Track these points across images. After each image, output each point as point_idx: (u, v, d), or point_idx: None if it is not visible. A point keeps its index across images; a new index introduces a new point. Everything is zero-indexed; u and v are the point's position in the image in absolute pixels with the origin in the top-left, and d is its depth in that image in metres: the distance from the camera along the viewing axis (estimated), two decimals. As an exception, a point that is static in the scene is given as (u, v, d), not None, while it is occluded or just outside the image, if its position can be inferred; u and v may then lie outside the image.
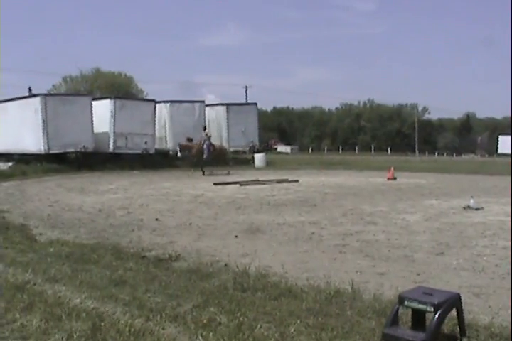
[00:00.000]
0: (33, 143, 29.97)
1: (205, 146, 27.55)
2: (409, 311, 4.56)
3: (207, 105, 38.05)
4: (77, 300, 5.49)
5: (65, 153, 31.28)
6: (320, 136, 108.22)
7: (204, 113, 36.56)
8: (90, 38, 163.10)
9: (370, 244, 9.20)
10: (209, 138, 28.44)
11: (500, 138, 71.31)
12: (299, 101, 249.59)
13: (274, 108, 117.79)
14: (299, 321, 4.86)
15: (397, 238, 9.69)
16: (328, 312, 5.19)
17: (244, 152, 41.53)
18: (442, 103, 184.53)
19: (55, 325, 4.78)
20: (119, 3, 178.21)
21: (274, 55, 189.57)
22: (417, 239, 9.56)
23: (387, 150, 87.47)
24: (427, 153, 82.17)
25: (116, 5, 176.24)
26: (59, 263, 7.25)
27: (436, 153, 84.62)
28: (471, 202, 13.46)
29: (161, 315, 5.01)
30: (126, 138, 31.53)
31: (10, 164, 29.81)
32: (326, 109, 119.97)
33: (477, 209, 13.20)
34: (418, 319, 4.47)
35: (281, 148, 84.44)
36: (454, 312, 4.52)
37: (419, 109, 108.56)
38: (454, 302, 4.49)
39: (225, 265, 7.44)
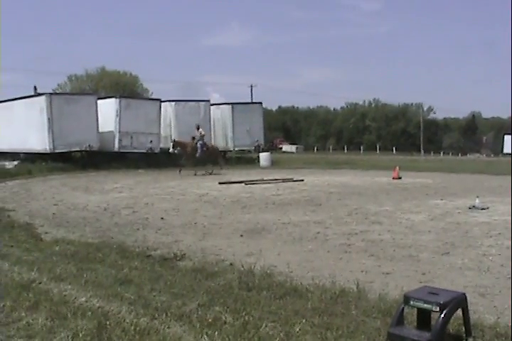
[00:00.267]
0: (38, 142, 30.01)
1: (198, 145, 27.42)
2: (415, 311, 4.55)
3: (212, 104, 38.04)
4: (83, 299, 5.50)
5: (70, 152, 31.36)
6: (325, 135, 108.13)
7: (209, 112, 36.57)
8: (95, 38, 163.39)
9: (375, 243, 9.19)
10: (202, 137, 28.26)
11: (506, 137, 71.21)
12: (304, 101, 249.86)
13: (279, 107, 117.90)
14: (304, 320, 4.86)
15: (402, 238, 9.67)
16: (333, 311, 5.18)
17: (249, 151, 41.54)
18: (448, 103, 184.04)
19: (60, 323, 4.79)
20: (124, 3, 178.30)
21: (279, 55, 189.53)
22: (422, 239, 9.54)
23: (392, 150, 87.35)
24: (432, 152, 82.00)
25: (121, 5, 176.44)
26: (64, 262, 7.26)
27: (441, 153, 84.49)
28: (477, 202, 13.43)
29: (166, 314, 5.01)
30: (132, 137, 31.56)
31: (15, 163, 29.89)
32: (331, 109, 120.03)
33: (482, 209, 13.17)
34: (423, 319, 4.46)
35: (286, 147, 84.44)
36: (459, 312, 4.51)
37: (425, 108, 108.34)
38: (460, 302, 4.49)
39: (230, 264, 7.44)
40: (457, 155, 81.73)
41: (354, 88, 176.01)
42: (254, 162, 36.47)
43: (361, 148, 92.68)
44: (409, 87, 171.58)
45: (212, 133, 36.90)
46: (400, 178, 23.51)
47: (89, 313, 5.02)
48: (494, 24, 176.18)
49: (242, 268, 6.95)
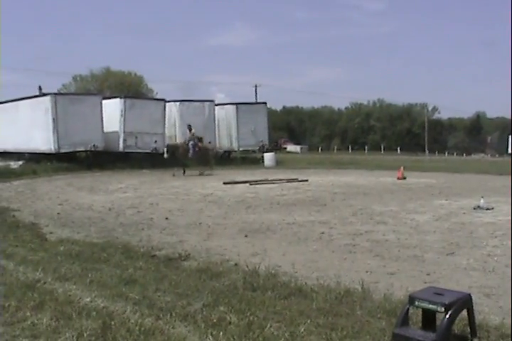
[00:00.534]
0: (43, 142, 30.06)
1: (190, 145, 27.17)
2: (420, 311, 4.54)
3: (216, 104, 38.03)
4: (88, 299, 5.50)
5: (75, 152, 31.38)
6: (330, 135, 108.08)
7: (214, 112, 36.58)
8: (97, 38, 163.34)
9: (380, 243, 9.18)
10: (195, 137, 28.05)
11: (511, 137, 71.00)
12: (308, 101, 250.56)
13: (284, 107, 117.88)
14: (309, 321, 4.86)
15: (407, 238, 9.66)
16: (338, 311, 5.18)
17: (253, 151, 41.50)
18: (452, 102, 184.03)
19: (65, 323, 4.80)
20: (127, 3, 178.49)
21: (283, 55, 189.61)
22: (427, 239, 9.53)
23: (396, 150, 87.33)
24: (436, 152, 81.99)
25: (124, 5, 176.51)
26: (69, 262, 7.27)
27: (446, 153, 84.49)
28: (481, 202, 13.41)
29: (171, 314, 5.01)
30: (136, 138, 31.56)
31: (20, 163, 29.95)
32: (336, 109, 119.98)
33: (487, 209, 13.15)
34: (428, 319, 4.46)
35: (291, 147, 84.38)
36: (464, 312, 4.50)
37: (429, 108, 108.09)
38: (465, 302, 4.48)
39: (235, 264, 7.44)
40: (462, 155, 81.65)
41: (358, 88, 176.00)
42: (258, 162, 36.46)
43: (366, 148, 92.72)
44: (413, 87, 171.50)
45: (216, 133, 36.92)
46: (404, 178, 23.48)
47: (94, 313, 5.02)
48: (499, 23, 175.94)
49: (247, 269, 6.94)
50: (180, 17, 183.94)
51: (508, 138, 73.14)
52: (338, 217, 12.25)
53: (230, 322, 4.82)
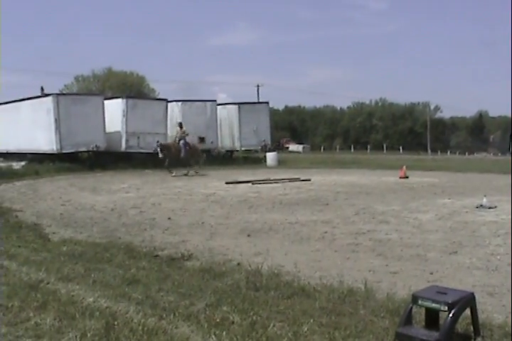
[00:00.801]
0: (45, 142, 30.06)
1: (181, 144, 26.91)
2: (423, 310, 4.54)
3: (219, 104, 37.99)
4: (91, 299, 5.51)
5: (77, 153, 31.36)
6: (332, 134, 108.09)
7: (216, 112, 36.54)
8: (100, 38, 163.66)
9: (382, 243, 9.18)
10: (185, 136, 27.71)
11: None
12: (310, 100, 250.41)
13: (286, 107, 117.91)
14: (312, 320, 4.86)
15: (409, 237, 9.66)
16: (341, 311, 5.18)
17: (256, 151, 41.48)
18: (454, 101, 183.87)
19: (68, 323, 4.80)
20: (129, 3, 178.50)
21: (285, 55, 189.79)
22: (429, 238, 9.52)
23: (399, 149, 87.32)
24: (439, 151, 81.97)
25: (126, 5, 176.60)
26: (72, 262, 7.27)
27: (448, 152, 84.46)
28: (484, 201, 13.40)
29: (174, 314, 5.02)
30: (138, 138, 31.53)
31: (23, 163, 29.94)
32: (338, 108, 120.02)
33: (490, 208, 13.14)
34: (432, 318, 4.46)
35: (293, 147, 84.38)
36: (468, 311, 4.50)
37: (432, 107, 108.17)
38: (468, 301, 4.47)
39: (238, 264, 7.44)
40: (464, 154, 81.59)
41: (360, 87, 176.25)
42: (260, 162, 36.43)
43: (368, 147, 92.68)
44: (415, 86, 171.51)
45: (218, 133, 36.92)
46: (407, 177, 23.46)
47: (97, 313, 5.03)
48: (500, 23, 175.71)
49: (250, 268, 6.94)
50: (182, 17, 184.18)
51: (510, 137, 73.16)
52: (341, 216, 12.24)
53: (233, 322, 4.82)
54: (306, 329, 4.65)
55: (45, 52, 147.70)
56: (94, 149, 30.60)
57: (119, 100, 32.51)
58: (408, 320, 4.44)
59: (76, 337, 4.49)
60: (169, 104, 34.23)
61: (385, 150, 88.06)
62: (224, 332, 4.55)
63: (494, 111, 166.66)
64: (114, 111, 31.40)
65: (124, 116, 31.52)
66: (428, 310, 4.45)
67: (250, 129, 37.63)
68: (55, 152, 29.67)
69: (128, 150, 31.86)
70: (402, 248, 8.73)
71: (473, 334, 4.54)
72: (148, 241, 9.32)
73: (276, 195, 16.88)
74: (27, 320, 4.91)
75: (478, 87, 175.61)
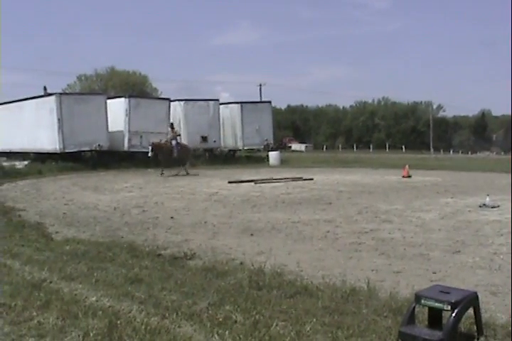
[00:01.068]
0: (48, 142, 30.12)
1: (173, 145, 26.55)
2: (426, 310, 4.53)
3: (221, 103, 38.04)
4: (93, 298, 5.51)
5: (80, 152, 31.41)
6: (334, 134, 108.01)
7: (218, 111, 36.60)
8: (103, 38, 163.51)
9: (385, 242, 9.17)
10: (177, 136, 27.59)
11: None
12: (313, 99, 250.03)
13: (289, 106, 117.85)
14: (315, 319, 4.85)
15: (412, 236, 9.65)
16: (344, 310, 5.17)
17: (258, 150, 41.53)
18: (457, 100, 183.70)
19: (71, 322, 4.80)
20: (131, 3, 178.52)
21: (288, 54, 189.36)
22: (432, 237, 9.51)
23: (401, 148, 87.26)
24: (442, 151, 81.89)
25: (128, 5, 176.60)
26: (75, 262, 7.28)
27: (451, 151, 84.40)
28: (487, 200, 13.38)
29: (176, 313, 5.01)
30: (141, 137, 31.54)
31: (26, 163, 30.03)
32: (341, 107, 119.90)
33: (493, 207, 13.12)
34: (435, 317, 4.45)
35: (296, 146, 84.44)
36: (471, 310, 4.49)
37: (434, 106, 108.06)
38: (471, 300, 4.47)
39: (241, 263, 7.44)
40: (467, 153, 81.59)
41: (363, 86, 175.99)
42: (263, 161, 36.47)
43: (370, 146, 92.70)
44: (418, 85, 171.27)
45: (221, 132, 36.95)
46: (409, 177, 23.45)
47: (100, 312, 5.03)
48: (504, 22, 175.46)
49: (253, 267, 6.94)
50: (184, 17, 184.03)
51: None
52: (344, 215, 12.23)
53: (235, 321, 4.82)
54: (308, 328, 4.65)
55: (47, 51, 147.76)
56: (97, 148, 30.68)
57: (122, 99, 32.57)
58: (411, 319, 4.43)
59: (79, 336, 4.49)
60: (172, 104, 34.31)
61: (387, 150, 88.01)
62: (227, 332, 4.55)
63: (497, 110, 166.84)
64: (117, 111, 31.45)
65: (126, 115, 31.58)
66: (431, 309, 4.44)
67: (253, 128, 37.66)
68: (58, 151, 29.74)
69: (131, 150, 31.91)
70: (405, 247, 8.72)
71: (476, 334, 4.53)
72: (151, 241, 9.33)
73: (279, 194, 16.88)
74: (30, 319, 4.91)
75: (481, 86, 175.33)
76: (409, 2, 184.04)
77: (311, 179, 22.08)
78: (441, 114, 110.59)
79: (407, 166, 24.60)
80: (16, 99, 34.49)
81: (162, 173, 25.40)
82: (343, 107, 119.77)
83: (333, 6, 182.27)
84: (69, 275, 6.50)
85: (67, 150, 29.90)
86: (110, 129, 31.09)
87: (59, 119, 29.51)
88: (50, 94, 31.93)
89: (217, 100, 37.96)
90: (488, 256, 8.06)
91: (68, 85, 75.13)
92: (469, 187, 19.44)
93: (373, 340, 4.46)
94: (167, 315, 5.00)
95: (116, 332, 4.54)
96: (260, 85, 79.63)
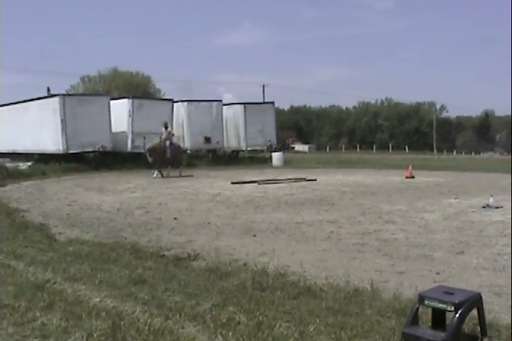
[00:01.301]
0: (51, 142, 30.17)
1: (167, 145, 26.10)
2: (430, 310, 4.53)
3: (224, 104, 38.04)
4: (97, 299, 5.51)
5: (83, 153, 31.43)
6: (337, 134, 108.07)
7: (221, 112, 36.60)
8: (105, 39, 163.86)
9: (388, 242, 9.16)
10: (171, 136, 27.04)
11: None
12: (316, 100, 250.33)
13: (292, 107, 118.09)
14: (318, 320, 4.85)
15: (416, 237, 9.64)
16: (347, 311, 5.17)
17: (261, 151, 41.54)
18: (460, 101, 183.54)
19: (75, 323, 4.81)
20: (134, 4, 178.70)
21: (290, 54, 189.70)
22: (436, 238, 9.50)
23: (405, 149, 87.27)
24: (445, 151, 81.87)
25: (131, 5, 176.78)
26: (78, 262, 7.28)
27: (454, 152, 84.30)
28: (491, 201, 13.36)
29: (180, 314, 5.01)
30: (144, 138, 31.47)
31: (29, 164, 30.03)
32: (344, 108, 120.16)
33: (496, 207, 13.10)
34: (438, 318, 4.45)
35: (299, 146, 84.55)
36: (474, 311, 4.49)
37: (437, 107, 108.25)
38: (475, 301, 4.46)
39: (244, 264, 7.43)
40: (470, 153, 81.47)
41: (366, 87, 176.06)
42: (266, 162, 36.47)
43: (374, 147, 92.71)
44: (421, 86, 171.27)
45: (224, 133, 36.96)
46: (413, 177, 23.42)
47: (104, 313, 5.03)
48: (507, 21, 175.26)
49: (256, 268, 6.94)
50: (187, 17, 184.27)
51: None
52: (347, 216, 12.23)
53: (239, 322, 4.82)
54: (312, 329, 4.65)
55: (51, 52, 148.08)
56: (101, 149, 30.69)
57: (125, 100, 32.59)
58: (415, 320, 4.43)
59: (82, 337, 4.50)
60: (175, 105, 34.30)
61: (390, 150, 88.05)
62: (230, 333, 4.55)
63: (500, 111, 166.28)
64: (120, 112, 31.47)
65: (130, 116, 31.59)
66: (435, 310, 4.43)
67: (256, 129, 37.66)
68: (62, 152, 29.77)
69: (134, 151, 31.87)
70: (408, 248, 8.71)
71: (480, 335, 4.53)
72: (154, 241, 9.33)
73: (282, 194, 16.88)
74: (34, 320, 4.92)
75: (484, 86, 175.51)
76: (412, 2, 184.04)
77: (314, 180, 22.09)
78: (444, 114, 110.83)
79: (410, 167, 24.59)
80: (20, 100, 34.57)
81: (160, 173, 25.19)
82: (346, 108, 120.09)
83: (335, 6, 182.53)
84: (72, 276, 6.51)
85: (70, 151, 29.92)
86: (113, 130, 31.10)
87: (62, 120, 29.54)
88: (53, 95, 31.99)
89: (221, 101, 37.97)
90: (492, 256, 8.05)
91: (71, 86, 75.43)
92: (472, 187, 19.42)
93: (377, 341, 4.46)
94: (170, 315, 5.00)
95: (119, 333, 4.55)
96: (263, 86, 79.79)
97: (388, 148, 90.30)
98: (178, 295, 5.73)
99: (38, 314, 5.04)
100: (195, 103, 36.26)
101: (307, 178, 22.40)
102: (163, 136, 26.73)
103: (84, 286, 6.04)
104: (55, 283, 6.20)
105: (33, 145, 31.46)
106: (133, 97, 33.51)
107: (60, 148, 29.73)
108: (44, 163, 29.67)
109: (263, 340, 4.45)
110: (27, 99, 33.73)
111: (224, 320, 4.85)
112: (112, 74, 75.89)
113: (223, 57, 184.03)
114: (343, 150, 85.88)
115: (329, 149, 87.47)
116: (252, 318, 4.90)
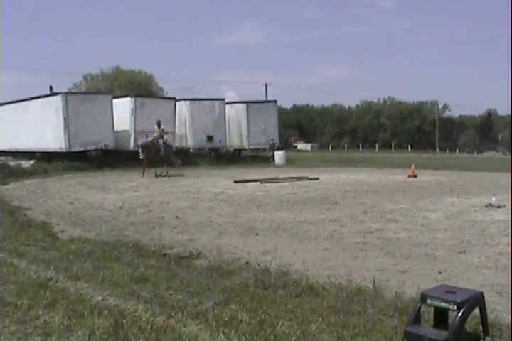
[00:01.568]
0: (54, 141, 30.18)
1: (160, 143, 25.80)
2: (432, 309, 4.53)
3: (227, 103, 38.02)
4: (99, 298, 5.52)
5: (85, 151, 31.46)
6: (340, 133, 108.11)
7: (224, 111, 36.59)
8: (107, 38, 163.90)
9: (391, 241, 9.16)
10: (164, 134, 26.58)
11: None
12: (318, 99, 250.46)
13: (294, 105, 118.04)
14: (320, 319, 4.86)
15: (418, 236, 9.63)
16: (349, 310, 5.17)
17: (264, 150, 41.54)
18: (463, 100, 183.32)
19: (77, 321, 4.82)
20: (137, 3, 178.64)
21: (293, 53, 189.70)
22: (438, 237, 9.49)
23: (407, 148, 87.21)
24: (447, 150, 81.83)
25: (134, 4, 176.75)
26: (81, 261, 7.29)
27: (457, 151, 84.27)
28: (493, 200, 13.34)
29: (182, 313, 5.02)
30: (147, 136, 31.29)
31: (32, 162, 30.05)
32: (346, 107, 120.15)
33: (499, 207, 13.08)
34: (441, 317, 4.45)
35: (301, 145, 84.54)
36: (476, 310, 4.48)
37: (440, 106, 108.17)
38: (477, 300, 4.46)
39: (246, 263, 7.43)
40: (473, 153, 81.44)
41: (369, 86, 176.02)
42: (269, 160, 36.47)
43: (376, 146, 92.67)
44: (424, 85, 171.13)
45: (227, 131, 36.96)
46: (415, 176, 23.40)
47: (106, 312, 5.04)
48: (504, 22, 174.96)
49: (258, 267, 6.95)
50: (190, 16, 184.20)
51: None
52: (349, 215, 12.22)
53: (241, 321, 4.83)
54: (314, 328, 4.65)
55: (52, 51, 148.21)
56: (103, 148, 30.74)
57: (128, 99, 32.58)
58: (417, 319, 4.43)
59: (85, 335, 4.51)
60: (177, 103, 34.30)
61: (393, 149, 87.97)
62: (232, 331, 4.56)
63: (503, 110, 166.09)
64: (123, 110, 31.47)
65: (132, 114, 31.59)
66: (437, 309, 4.44)
67: (258, 128, 37.65)
68: (64, 151, 29.80)
69: (136, 149, 31.85)
70: (410, 247, 8.71)
71: (482, 334, 4.53)
72: (156, 240, 9.33)
73: (284, 193, 16.88)
74: (36, 318, 4.93)
75: (486, 85, 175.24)
76: (415, 1, 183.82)
77: (317, 178, 22.06)
78: (446, 113, 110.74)
79: (412, 166, 24.56)
80: (22, 98, 34.57)
81: (142, 174, 24.38)
82: (349, 107, 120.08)
83: (338, 6, 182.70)
84: (75, 274, 6.52)
85: (72, 150, 29.95)
86: (116, 129, 31.12)
87: (65, 119, 29.55)
88: (56, 94, 31.98)
89: (223, 100, 37.98)
90: (494, 255, 8.04)
91: (74, 85, 75.35)
92: (475, 186, 19.39)
93: (379, 340, 4.46)
94: (173, 314, 5.00)
95: (121, 331, 4.55)
96: (266, 85, 79.77)
97: (391, 147, 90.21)
98: (181, 293, 5.73)
99: (40, 312, 5.06)
100: (197, 102, 36.27)
101: (309, 177, 22.39)
102: (156, 134, 26.42)
103: (87, 284, 6.05)
104: (57, 281, 6.22)
105: (36, 144, 31.47)
106: (135, 96, 33.48)
107: (63, 146, 29.74)
108: (46, 161, 29.71)
109: (265, 339, 4.45)
110: (29, 97, 33.73)
111: (226, 319, 4.86)
112: (114, 72, 75.85)
113: (226, 56, 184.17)
114: (346, 149, 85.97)
115: (331, 148, 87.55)
116: (254, 317, 4.91)
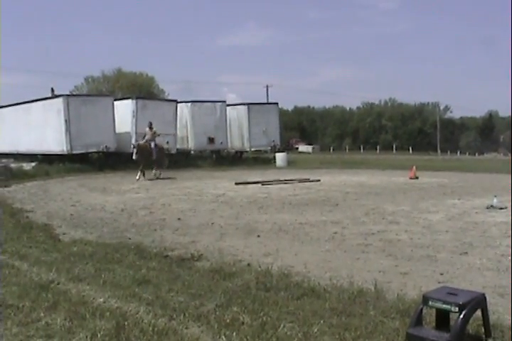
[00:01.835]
0: (55, 143, 30.20)
1: (153, 146, 25.28)
2: (434, 311, 4.53)
3: (228, 105, 38.04)
4: (101, 300, 5.53)
5: (87, 153, 31.46)
6: (341, 135, 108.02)
7: (225, 113, 36.61)
8: (108, 40, 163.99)
9: (392, 243, 9.15)
10: (156, 136, 25.94)
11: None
12: (320, 101, 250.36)
13: (295, 107, 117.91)
14: (322, 321, 4.86)
15: (419, 237, 9.63)
16: (351, 312, 5.17)
17: (265, 151, 41.52)
18: (464, 102, 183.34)
19: (79, 323, 4.82)
20: (138, 4, 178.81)
21: (294, 55, 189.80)
22: (440, 239, 9.49)
23: (408, 150, 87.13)
24: (449, 152, 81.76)
25: (135, 6, 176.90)
26: (82, 263, 7.30)
27: (458, 152, 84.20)
28: (495, 202, 13.33)
29: (184, 315, 5.02)
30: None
31: (33, 164, 30.04)
32: (347, 108, 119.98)
33: (500, 208, 13.08)
34: (442, 319, 4.44)
35: (303, 147, 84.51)
36: (478, 312, 4.48)
37: (441, 107, 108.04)
38: (479, 302, 4.45)
39: (248, 264, 7.44)
40: (474, 154, 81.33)
41: (370, 87, 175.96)
42: (270, 162, 36.46)
43: (377, 147, 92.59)
44: (425, 86, 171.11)
45: (228, 133, 36.97)
46: (416, 178, 23.40)
47: (108, 313, 5.04)
48: (505, 23, 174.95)
49: (260, 269, 6.95)
50: (192, 17, 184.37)
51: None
52: (351, 216, 12.22)
53: (243, 323, 4.83)
54: (316, 330, 4.65)
55: (53, 53, 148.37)
56: (104, 150, 30.73)
57: (129, 101, 32.60)
58: (419, 320, 4.43)
59: (86, 337, 4.51)
60: (179, 105, 34.30)
61: (394, 151, 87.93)
62: (234, 333, 4.56)
63: (504, 112, 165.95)
64: (124, 112, 31.49)
65: (133, 116, 31.59)
66: (438, 311, 4.43)
67: (260, 130, 37.66)
68: (66, 153, 29.81)
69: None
70: (412, 248, 8.71)
71: (484, 336, 4.52)
72: (158, 242, 9.34)
73: (285, 195, 16.88)
74: (38, 320, 4.93)
75: (488, 87, 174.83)
76: (417, 2, 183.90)
77: (318, 180, 22.07)
78: (448, 115, 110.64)
79: (414, 167, 24.55)
80: (24, 100, 34.61)
81: (137, 176, 23.82)
82: (350, 108, 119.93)
83: (340, 7, 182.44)
84: (76, 276, 6.52)
85: (74, 152, 29.95)
86: (117, 131, 31.12)
87: (66, 121, 29.57)
88: (57, 96, 32.02)
89: (224, 101, 38.00)
90: (496, 257, 8.04)
91: (75, 87, 75.39)
92: (476, 188, 19.39)
93: (381, 342, 4.46)
94: (174, 316, 5.01)
95: (123, 333, 4.56)
96: (267, 86, 79.82)
97: (392, 149, 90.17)
98: (182, 295, 5.73)
99: (42, 314, 5.06)
100: (198, 104, 36.29)
101: (311, 179, 22.40)
102: (148, 137, 25.69)
103: (89, 286, 6.06)
104: (59, 283, 6.22)
105: (37, 146, 31.52)
106: (137, 98, 33.49)
107: (64, 148, 29.76)
108: (48, 163, 29.71)
109: (267, 341, 4.46)
110: (31, 99, 33.77)
111: (228, 321, 4.86)
112: (115, 74, 75.91)
113: (227, 57, 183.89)
114: (347, 150, 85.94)
115: (333, 150, 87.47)
116: (256, 319, 4.91)
